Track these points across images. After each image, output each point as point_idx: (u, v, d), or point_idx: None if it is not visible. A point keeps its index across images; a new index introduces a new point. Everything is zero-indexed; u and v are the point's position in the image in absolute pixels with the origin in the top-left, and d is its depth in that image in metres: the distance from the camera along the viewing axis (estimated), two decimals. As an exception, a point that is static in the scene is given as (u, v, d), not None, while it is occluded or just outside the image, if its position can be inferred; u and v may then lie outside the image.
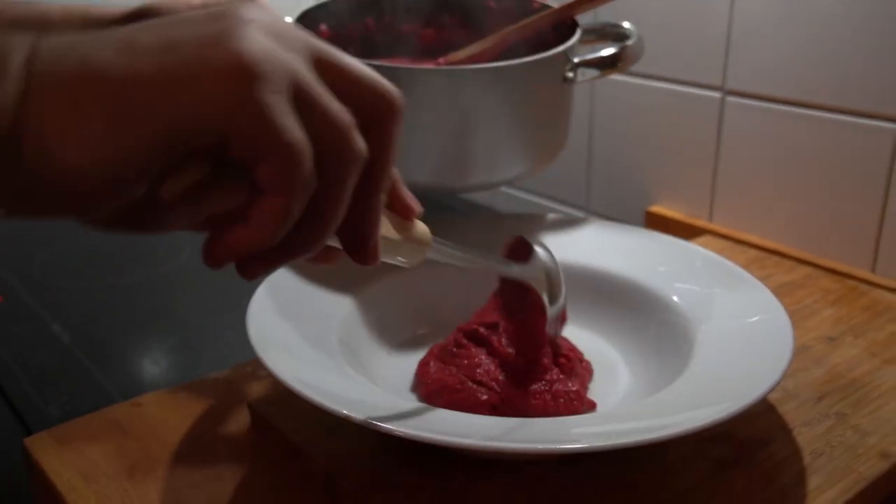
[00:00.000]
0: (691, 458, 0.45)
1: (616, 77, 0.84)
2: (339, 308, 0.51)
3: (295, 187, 0.27)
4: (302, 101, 0.27)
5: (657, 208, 0.85)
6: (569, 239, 0.60)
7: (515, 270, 0.48)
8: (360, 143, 0.28)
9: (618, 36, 0.61)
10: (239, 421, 0.51)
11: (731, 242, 0.77)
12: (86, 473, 0.47)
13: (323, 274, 0.54)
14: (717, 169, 0.79)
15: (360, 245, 0.31)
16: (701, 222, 0.81)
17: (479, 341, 0.50)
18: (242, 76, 0.25)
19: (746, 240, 0.76)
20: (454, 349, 0.49)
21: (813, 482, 0.43)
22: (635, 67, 0.83)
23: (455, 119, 0.52)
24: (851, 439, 0.47)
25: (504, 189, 1.03)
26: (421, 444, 0.46)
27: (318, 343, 0.48)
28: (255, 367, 0.57)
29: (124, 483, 0.46)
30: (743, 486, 0.43)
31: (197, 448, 0.49)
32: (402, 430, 0.37)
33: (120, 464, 0.48)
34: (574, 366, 0.49)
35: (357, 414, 0.38)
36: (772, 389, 0.40)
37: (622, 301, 0.55)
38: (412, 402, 0.45)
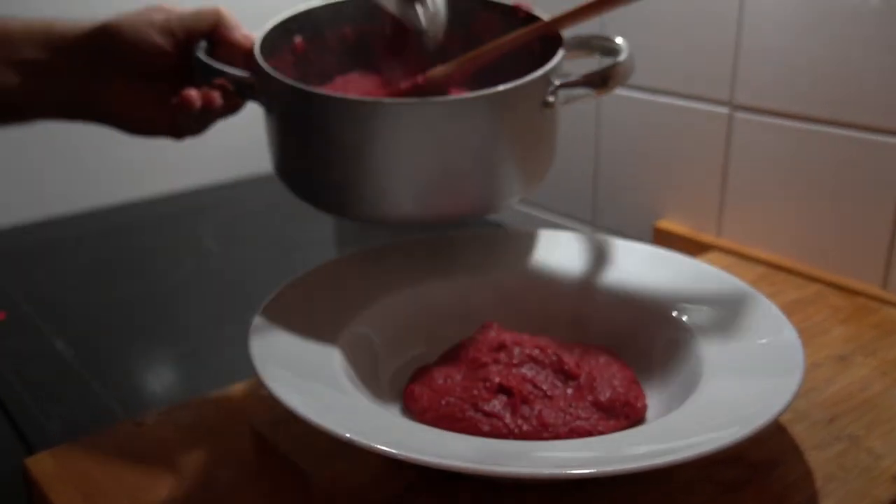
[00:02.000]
0: (699, 480, 0.44)
1: (623, 92, 0.84)
2: (341, 329, 0.51)
3: None
4: None
5: (665, 223, 0.84)
6: (575, 255, 0.59)
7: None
8: None
9: (607, 51, 0.55)
10: (240, 441, 0.51)
11: (740, 258, 0.76)
12: (86, 494, 0.46)
13: (326, 293, 0.54)
14: (725, 184, 0.78)
15: None
16: (709, 237, 0.80)
17: (482, 366, 0.49)
18: None
19: (755, 255, 0.76)
20: (454, 375, 0.48)
21: (825, 507, 0.42)
22: (643, 82, 0.83)
23: (432, 151, 0.50)
24: (864, 462, 0.46)
25: (510, 203, 1.02)
26: (424, 465, 0.45)
27: (320, 364, 0.47)
28: (257, 386, 0.57)
29: (125, 503, 0.46)
30: (753, 511, 0.42)
31: (198, 468, 0.48)
32: (401, 452, 0.36)
33: (121, 485, 0.47)
34: (628, 412, 0.47)
35: (359, 437, 0.37)
36: (782, 413, 0.39)
37: (629, 320, 0.54)
38: (413, 424, 0.44)
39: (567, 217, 0.96)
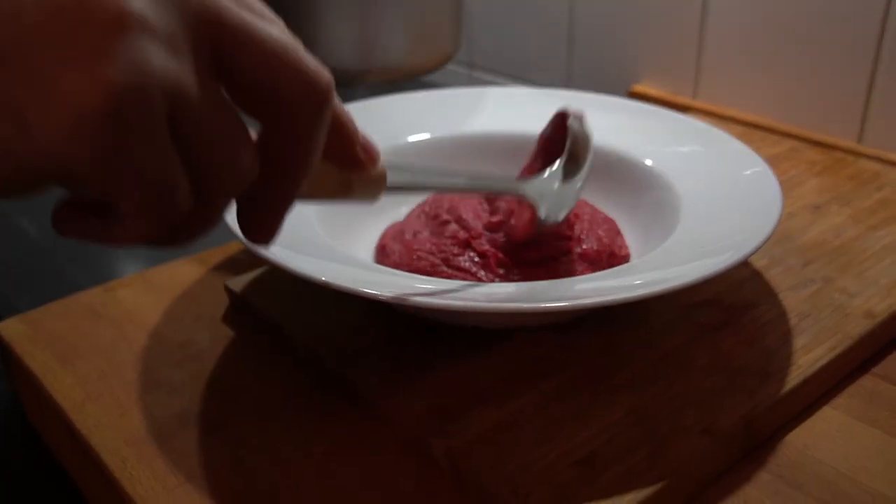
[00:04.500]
0: (677, 321, 0.45)
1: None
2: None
3: (158, 220, 0.22)
4: (180, 121, 0.22)
5: (641, 87, 0.82)
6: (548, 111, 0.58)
7: (499, 185, 0.44)
8: (245, 164, 0.24)
9: None
10: (216, 302, 0.50)
11: (716, 119, 0.75)
12: (61, 356, 0.46)
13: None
14: (701, 44, 0.76)
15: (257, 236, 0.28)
16: (685, 100, 0.79)
17: (457, 222, 0.48)
18: (99, 110, 0.19)
19: (731, 115, 0.75)
20: (423, 230, 0.48)
21: (799, 342, 0.43)
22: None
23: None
24: (838, 301, 0.46)
25: (482, 74, 0.99)
26: (403, 316, 0.45)
27: (292, 220, 0.46)
28: (229, 249, 0.56)
29: (101, 364, 0.45)
30: (728, 348, 0.43)
31: (174, 329, 0.48)
32: (379, 293, 0.36)
33: (95, 345, 0.47)
34: (612, 261, 0.46)
35: (336, 280, 0.36)
36: (763, 244, 0.39)
37: (607, 170, 0.53)
38: (390, 270, 0.43)
39: (541, 84, 0.93)
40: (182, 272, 0.53)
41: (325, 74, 0.25)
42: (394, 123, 0.56)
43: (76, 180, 0.21)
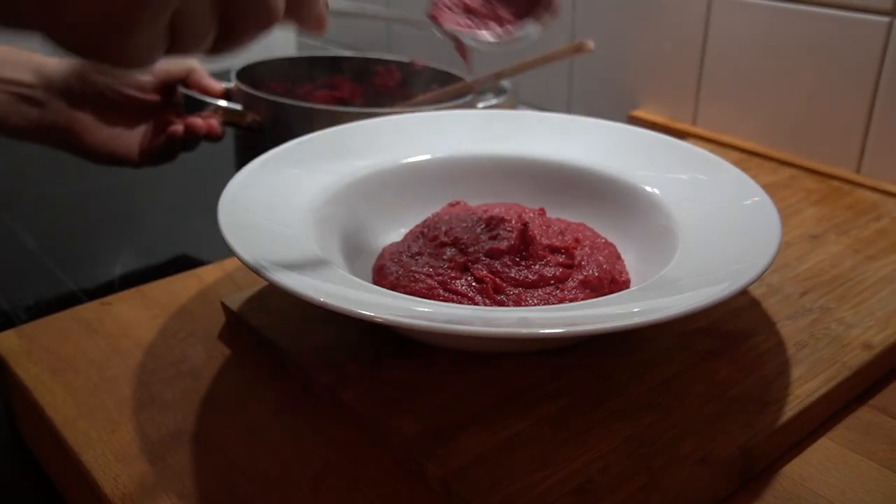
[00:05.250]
0: (674, 350, 0.44)
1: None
2: (312, 206, 0.49)
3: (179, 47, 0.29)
4: None
5: (640, 113, 0.83)
6: (549, 132, 0.58)
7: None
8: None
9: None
10: (212, 319, 0.50)
11: (715, 145, 0.75)
12: (54, 369, 0.46)
13: (296, 170, 0.52)
14: (702, 70, 0.77)
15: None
16: (685, 126, 0.79)
17: (454, 244, 0.48)
18: None
19: (731, 143, 0.75)
20: (421, 252, 0.47)
21: (796, 372, 0.43)
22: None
23: None
24: (835, 331, 0.46)
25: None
26: (399, 337, 0.45)
27: (290, 240, 0.46)
28: (226, 266, 0.55)
29: (94, 378, 0.45)
30: (725, 376, 0.42)
31: (169, 345, 0.48)
32: (376, 315, 0.35)
33: (89, 360, 0.46)
34: (613, 287, 0.46)
35: (334, 301, 0.36)
36: (763, 273, 0.39)
37: (606, 195, 0.54)
38: (386, 291, 0.43)
39: (542, 108, 0.94)
40: (178, 288, 0.53)
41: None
42: (394, 143, 0.56)
43: None
